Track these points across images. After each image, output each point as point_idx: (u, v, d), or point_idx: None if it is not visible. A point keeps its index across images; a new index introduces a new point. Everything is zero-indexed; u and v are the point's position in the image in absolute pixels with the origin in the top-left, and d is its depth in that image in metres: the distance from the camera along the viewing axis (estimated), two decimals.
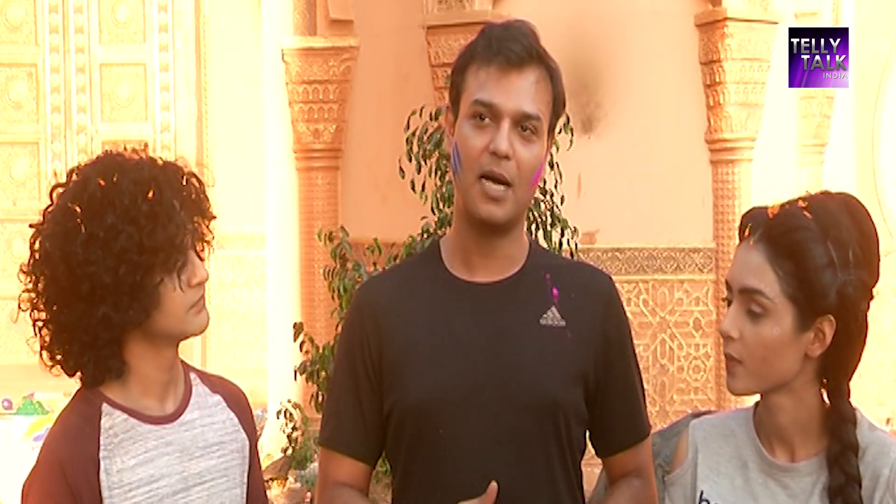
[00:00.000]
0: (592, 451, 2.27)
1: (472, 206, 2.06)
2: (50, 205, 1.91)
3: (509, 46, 2.05)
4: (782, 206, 1.92)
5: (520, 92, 2.05)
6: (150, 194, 1.87)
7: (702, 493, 1.98)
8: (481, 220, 2.06)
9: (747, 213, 1.96)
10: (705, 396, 7.06)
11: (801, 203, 1.90)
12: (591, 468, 2.26)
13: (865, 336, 1.90)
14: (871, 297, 1.89)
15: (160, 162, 1.95)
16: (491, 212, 2.05)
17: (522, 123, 2.05)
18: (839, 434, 1.86)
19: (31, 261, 1.91)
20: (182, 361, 2.05)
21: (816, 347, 1.87)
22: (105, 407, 1.92)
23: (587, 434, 2.21)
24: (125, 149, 1.96)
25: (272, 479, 7.66)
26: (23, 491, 1.91)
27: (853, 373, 1.91)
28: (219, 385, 2.11)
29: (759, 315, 1.87)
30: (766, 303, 1.86)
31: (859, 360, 1.91)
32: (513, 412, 2.06)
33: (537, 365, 2.08)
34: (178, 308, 1.92)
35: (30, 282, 1.91)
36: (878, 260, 1.91)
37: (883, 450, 1.87)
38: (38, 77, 10.56)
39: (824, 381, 1.91)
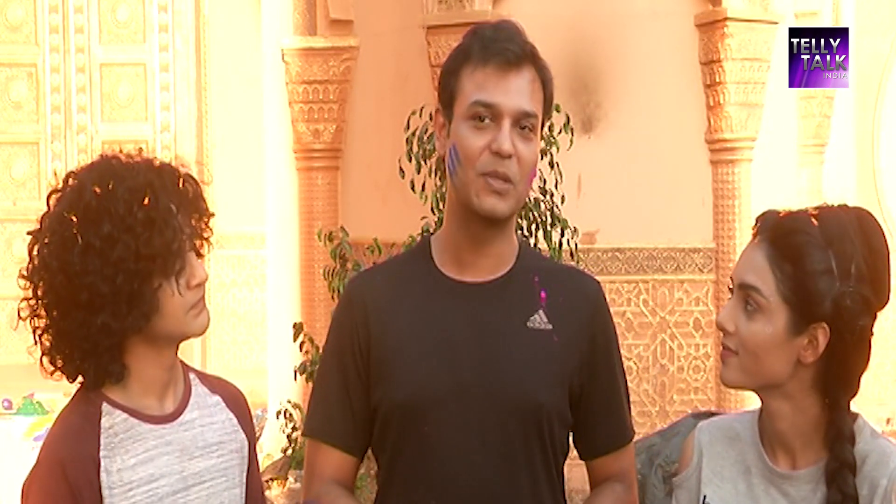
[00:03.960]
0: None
1: (474, 201, 2.06)
2: (47, 211, 1.91)
3: (506, 46, 2.06)
4: (794, 210, 1.93)
5: (519, 91, 2.06)
6: (146, 201, 1.86)
7: (704, 498, 1.98)
8: (484, 214, 2.07)
9: (761, 214, 1.97)
10: (705, 396, 7.06)
11: (812, 211, 1.91)
12: (581, 468, 2.27)
13: (867, 353, 1.88)
14: (875, 315, 1.88)
15: (157, 163, 1.94)
16: (494, 205, 2.05)
17: (522, 122, 2.06)
18: (836, 451, 1.86)
19: (30, 267, 1.91)
20: (181, 362, 2.05)
21: (809, 354, 1.87)
22: (105, 406, 1.92)
23: (571, 437, 2.21)
24: (121, 151, 1.96)
25: (272, 479, 7.66)
26: (23, 490, 1.91)
27: (854, 390, 1.90)
28: (218, 386, 2.11)
29: (754, 312, 1.88)
30: (762, 300, 1.87)
31: (859, 376, 1.90)
32: (497, 413, 2.08)
33: (523, 367, 2.09)
34: (178, 311, 1.92)
35: (29, 287, 1.91)
36: (888, 279, 1.89)
37: (883, 459, 1.86)
38: (38, 77, 10.55)
39: (827, 395, 1.91)
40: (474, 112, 2.05)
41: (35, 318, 1.91)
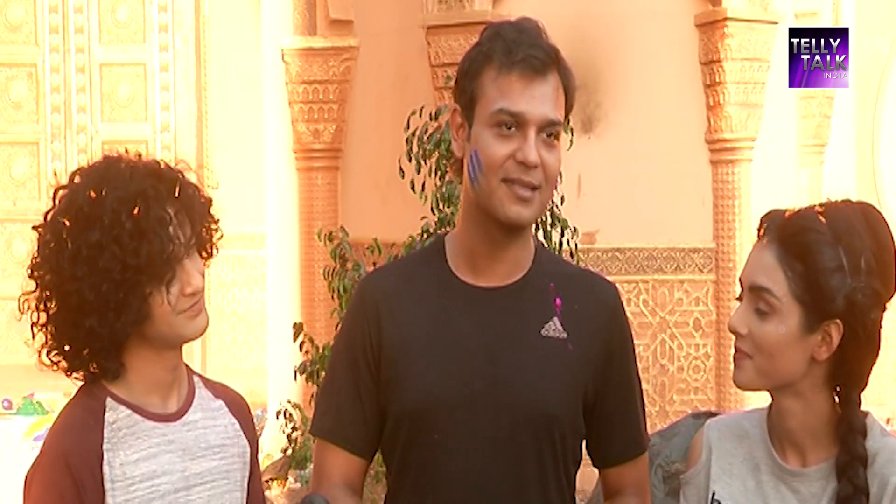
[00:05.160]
0: None
1: (499, 210, 2.03)
2: (52, 208, 1.91)
3: (532, 53, 2.01)
4: (799, 209, 1.93)
5: (544, 99, 2.01)
6: (136, 210, 1.85)
7: (713, 494, 1.98)
8: (509, 222, 2.04)
9: (766, 214, 1.96)
10: (705, 396, 7.06)
11: (817, 208, 1.90)
12: (593, 469, 2.26)
13: (877, 346, 1.88)
14: (884, 308, 1.88)
15: (161, 166, 1.93)
16: (520, 213, 2.02)
17: (546, 130, 2.02)
18: (847, 445, 1.86)
19: (33, 262, 1.92)
20: (186, 365, 2.05)
21: (823, 351, 1.87)
22: (109, 401, 1.93)
23: (584, 444, 2.19)
24: (127, 152, 1.95)
25: (272, 479, 7.66)
26: (25, 481, 1.91)
27: (864, 383, 1.90)
28: (221, 391, 2.11)
29: (767, 313, 1.87)
30: (774, 301, 1.87)
31: (870, 369, 1.90)
32: (508, 422, 2.05)
33: (536, 378, 2.07)
34: (170, 316, 1.90)
35: (31, 277, 1.91)
36: (895, 272, 1.89)
37: (892, 457, 1.86)
38: (38, 77, 10.56)
39: (837, 389, 1.91)
40: (499, 120, 2.01)
41: (35, 313, 1.92)
